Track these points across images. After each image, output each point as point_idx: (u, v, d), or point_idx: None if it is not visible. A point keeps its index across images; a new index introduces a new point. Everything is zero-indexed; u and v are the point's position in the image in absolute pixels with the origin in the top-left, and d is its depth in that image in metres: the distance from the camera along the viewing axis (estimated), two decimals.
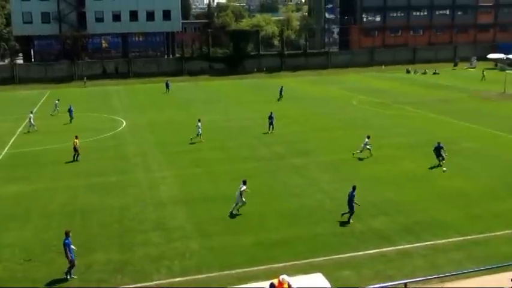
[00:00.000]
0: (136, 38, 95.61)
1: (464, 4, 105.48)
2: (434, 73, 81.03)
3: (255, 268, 18.36)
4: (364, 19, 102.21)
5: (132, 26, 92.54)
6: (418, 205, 24.28)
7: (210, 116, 49.16)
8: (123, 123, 46.79)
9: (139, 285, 17.54)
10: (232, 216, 23.29)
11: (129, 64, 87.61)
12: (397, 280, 16.23)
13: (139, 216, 23.64)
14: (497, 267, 16.27)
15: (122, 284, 17.54)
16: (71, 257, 17.65)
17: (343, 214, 22.71)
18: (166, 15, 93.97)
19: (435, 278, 15.83)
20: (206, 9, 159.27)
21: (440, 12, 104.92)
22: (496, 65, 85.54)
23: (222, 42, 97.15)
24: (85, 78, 78.76)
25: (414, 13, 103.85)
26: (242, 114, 50.19)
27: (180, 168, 31.77)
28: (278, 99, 57.52)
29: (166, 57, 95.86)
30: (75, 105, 50.61)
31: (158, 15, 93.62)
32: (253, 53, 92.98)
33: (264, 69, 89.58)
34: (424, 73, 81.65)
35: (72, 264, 17.77)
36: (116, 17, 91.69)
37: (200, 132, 38.32)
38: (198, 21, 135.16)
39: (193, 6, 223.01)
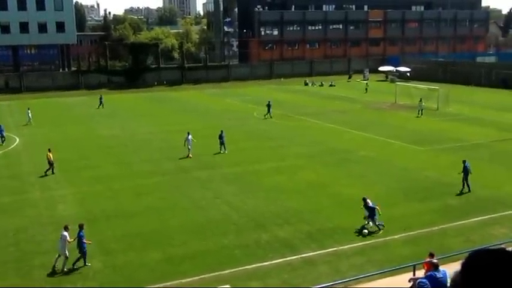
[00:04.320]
0: (28, 51, 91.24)
1: (355, 19, 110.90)
2: (330, 85, 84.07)
3: (162, 285, 18.03)
4: (262, 32, 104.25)
5: (23, 38, 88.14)
6: (321, 213, 25.02)
7: (111, 130, 47.87)
8: (16, 140, 44.32)
9: None
10: (137, 233, 22.75)
11: (21, 78, 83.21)
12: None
13: (37, 238, 22.42)
14: (396, 269, 17.16)
15: None
16: (84, 248, 19.31)
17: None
18: (60, 27, 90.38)
19: (340, 282, 16.38)
20: (102, 22, 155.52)
21: (334, 26, 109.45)
22: (386, 77, 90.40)
23: (120, 55, 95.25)
24: None
25: (309, 27, 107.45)
26: (145, 128, 49.31)
27: (80, 185, 30.56)
28: (265, 116, 53.31)
29: (61, 70, 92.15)
30: None
31: (51, 27, 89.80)
32: (153, 66, 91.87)
33: (165, 82, 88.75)
34: (321, 85, 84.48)
35: (84, 255, 19.38)
36: (5, 29, 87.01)
37: (190, 147, 36.49)
38: (95, 33, 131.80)
39: (89, 18, 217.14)
